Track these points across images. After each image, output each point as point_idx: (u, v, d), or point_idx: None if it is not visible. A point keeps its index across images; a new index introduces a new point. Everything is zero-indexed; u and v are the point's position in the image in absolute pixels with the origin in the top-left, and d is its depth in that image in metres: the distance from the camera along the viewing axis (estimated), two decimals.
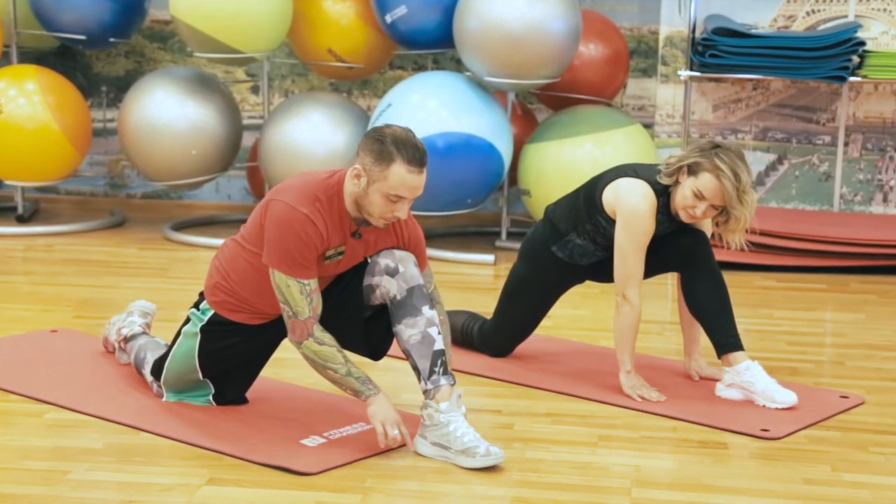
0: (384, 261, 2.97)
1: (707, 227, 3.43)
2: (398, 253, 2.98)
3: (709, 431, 3.13)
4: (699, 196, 3.20)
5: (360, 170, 2.83)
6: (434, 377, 2.89)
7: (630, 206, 3.25)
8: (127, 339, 3.43)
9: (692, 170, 3.21)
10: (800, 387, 3.45)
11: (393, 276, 2.95)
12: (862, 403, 3.38)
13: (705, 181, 3.18)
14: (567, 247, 3.46)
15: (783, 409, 3.27)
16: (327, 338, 2.86)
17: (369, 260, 2.99)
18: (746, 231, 3.25)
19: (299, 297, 2.84)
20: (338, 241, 2.91)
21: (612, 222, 3.34)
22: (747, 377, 3.32)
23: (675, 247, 3.36)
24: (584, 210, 3.39)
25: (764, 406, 3.29)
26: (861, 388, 3.51)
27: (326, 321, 2.96)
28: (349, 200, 2.88)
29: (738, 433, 3.11)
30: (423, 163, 2.81)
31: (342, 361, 2.85)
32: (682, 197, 3.23)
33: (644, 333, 3.91)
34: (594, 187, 3.39)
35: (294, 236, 2.83)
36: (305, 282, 2.84)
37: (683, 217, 3.28)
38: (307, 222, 2.83)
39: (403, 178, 2.79)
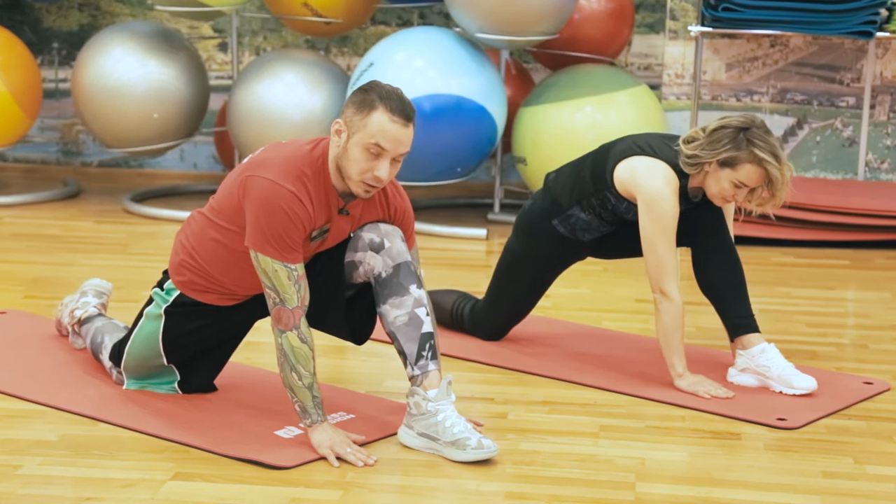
0: (368, 235, 2.98)
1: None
2: (384, 227, 2.99)
3: (720, 421, 3.15)
4: (740, 186, 3.26)
5: (342, 124, 2.83)
6: (422, 362, 2.90)
7: (652, 190, 3.28)
8: (81, 322, 3.43)
9: (727, 163, 3.24)
10: (820, 372, 3.47)
11: (378, 251, 2.96)
12: (887, 390, 3.40)
13: (748, 172, 3.24)
14: (569, 221, 3.48)
15: (801, 395, 3.30)
16: (310, 339, 2.86)
17: (352, 234, 3.00)
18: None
19: (287, 283, 2.83)
20: (323, 219, 2.91)
21: (621, 200, 3.36)
22: (762, 361, 3.34)
23: (686, 220, 3.38)
24: (591, 184, 3.41)
25: (780, 393, 3.32)
26: (886, 374, 3.54)
27: None
28: (334, 170, 2.88)
29: (753, 422, 3.13)
30: (409, 117, 2.81)
31: (311, 372, 2.85)
32: (720, 189, 3.28)
33: (642, 314, 3.93)
34: (603, 160, 3.40)
35: (281, 216, 2.82)
36: (293, 266, 2.84)
37: (717, 202, 3.34)
38: (294, 200, 2.83)
39: (384, 126, 2.79)
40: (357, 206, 2.95)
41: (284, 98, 5.16)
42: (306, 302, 2.86)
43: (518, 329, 3.74)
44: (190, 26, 6.03)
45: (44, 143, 6.21)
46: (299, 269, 2.85)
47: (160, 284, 3.12)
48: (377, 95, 2.80)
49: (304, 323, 2.84)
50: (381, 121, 2.78)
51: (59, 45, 6.11)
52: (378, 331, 3.11)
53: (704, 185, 3.32)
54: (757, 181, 3.26)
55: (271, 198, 2.82)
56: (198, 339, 3.10)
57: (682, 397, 3.26)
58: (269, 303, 2.86)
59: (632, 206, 3.36)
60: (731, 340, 3.42)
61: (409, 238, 3.04)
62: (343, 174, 2.86)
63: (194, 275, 3.04)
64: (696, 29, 5.20)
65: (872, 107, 5.54)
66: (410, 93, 4.79)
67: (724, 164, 3.26)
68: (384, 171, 2.82)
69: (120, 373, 3.20)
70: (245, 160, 2.98)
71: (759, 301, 3.78)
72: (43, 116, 6.08)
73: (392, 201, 3.02)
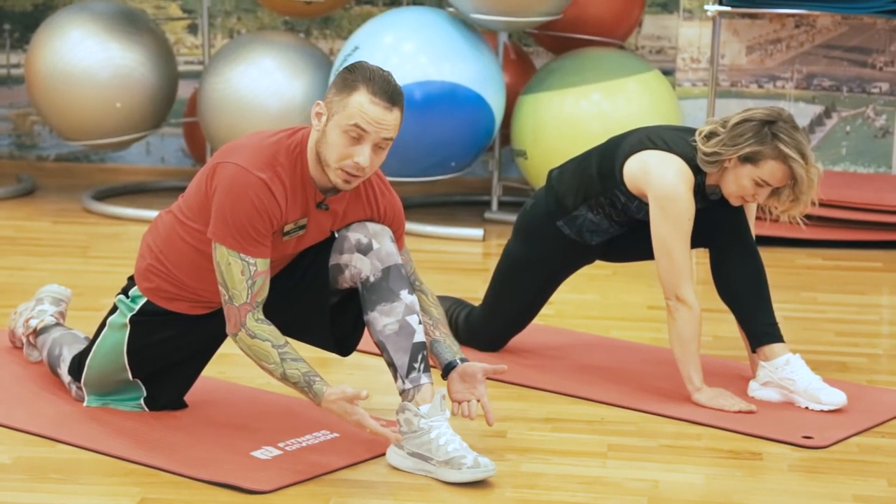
0: (355, 235, 2.99)
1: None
2: (372, 226, 3.00)
3: (740, 439, 3.16)
4: (762, 184, 3.28)
5: (322, 105, 2.86)
6: (413, 375, 2.91)
7: (665, 187, 3.30)
8: (37, 332, 3.44)
9: (749, 158, 3.26)
10: (850, 385, 3.49)
11: (365, 253, 2.97)
12: None
13: (771, 170, 3.26)
14: (576, 222, 3.50)
15: (830, 411, 3.31)
16: (262, 330, 2.87)
17: (337, 234, 3.01)
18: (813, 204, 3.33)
19: (239, 277, 2.86)
20: (298, 212, 2.92)
21: (632, 198, 3.38)
22: (787, 374, 3.36)
23: (704, 218, 3.40)
24: (598, 182, 3.42)
25: (807, 408, 3.33)
26: None
27: (285, 309, 2.98)
28: (313, 160, 2.89)
29: (776, 441, 3.14)
30: (393, 100, 2.84)
31: (276, 361, 2.86)
32: (740, 187, 3.31)
33: (654, 322, 3.94)
34: (612, 156, 3.42)
35: (247, 204, 2.84)
36: (251, 260, 2.86)
37: (734, 202, 3.36)
38: (262, 188, 2.85)
39: (364, 106, 2.81)
40: (339, 201, 2.97)
41: (261, 85, 5.17)
42: (259, 298, 2.88)
43: (518, 339, 3.75)
44: (156, 6, 6.04)
45: None
46: (259, 264, 2.87)
47: (125, 291, 3.13)
48: (361, 76, 2.83)
49: (251, 318, 2.87)
50: (361, 101, 2.81)
51: (10, 26, 6.11)
52: (365, 340, 3.12)
53: (722, 183, 3.34)
54: (780, 180, 3.28)
55: (238, 185, 2.84)
56: (166, 352, 3.11)
57: (698, 413, 3.28)
58: (222, 301, 2.88)
59: (643, 205, 3.38)
60: (753, 351, 3.43)
61: (398, 239, 3.05)
62: (322, 162, 2.88)
63: (163, 280, 3.05)
64: (713, 8, 5.21)
65: None
66: (400, 80, 4.76)
67: (746, 159, 3.27)
68: (364, 157, 2.83)
69: (80, 388, 3.20)
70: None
71: (783, 308, 3.80)
72: None
73: (380, 199, 3.03)
